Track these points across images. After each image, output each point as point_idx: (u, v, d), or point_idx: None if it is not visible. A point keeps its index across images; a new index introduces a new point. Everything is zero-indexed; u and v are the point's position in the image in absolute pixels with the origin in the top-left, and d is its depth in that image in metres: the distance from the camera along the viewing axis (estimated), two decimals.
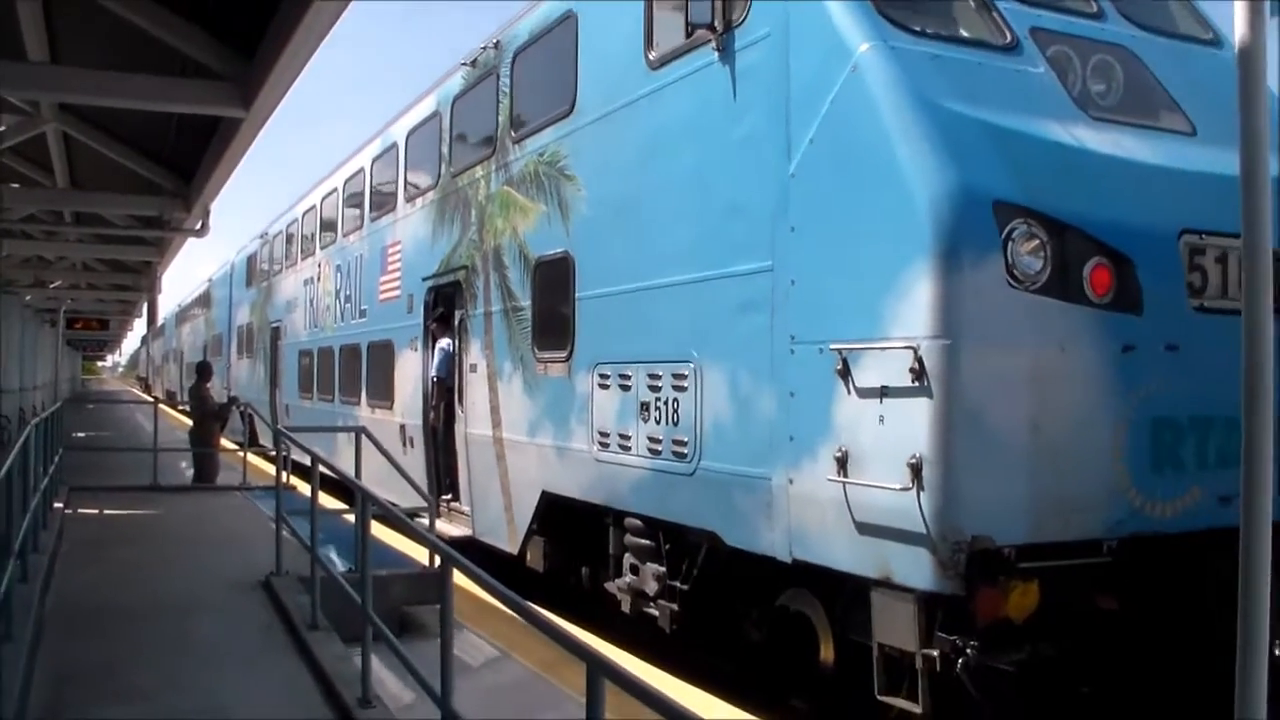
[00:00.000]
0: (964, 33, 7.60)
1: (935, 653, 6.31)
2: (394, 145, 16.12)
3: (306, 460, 9.76)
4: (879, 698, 6.80)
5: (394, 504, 8.60)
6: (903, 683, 6.61)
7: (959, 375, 6.23)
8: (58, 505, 14.16)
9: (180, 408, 40.42)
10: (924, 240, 6.35)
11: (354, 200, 18.57)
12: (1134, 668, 6.90)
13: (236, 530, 13.74)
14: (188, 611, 9.38)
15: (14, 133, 14.40)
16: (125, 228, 20.37)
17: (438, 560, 6.14)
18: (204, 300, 42.02)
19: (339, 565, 8.66)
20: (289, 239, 24.33)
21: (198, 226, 17.60)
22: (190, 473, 19.47)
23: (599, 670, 3.65)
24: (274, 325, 25.32)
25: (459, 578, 5.35)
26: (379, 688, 6.76)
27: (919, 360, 6.27)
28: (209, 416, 19.11)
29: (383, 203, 16.77)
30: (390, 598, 9.57)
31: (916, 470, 6.23)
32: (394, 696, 6.73)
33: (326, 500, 11.68)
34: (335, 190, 19.86)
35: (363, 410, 16.88)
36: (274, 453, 15.06)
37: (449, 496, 13.41)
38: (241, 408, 21.73)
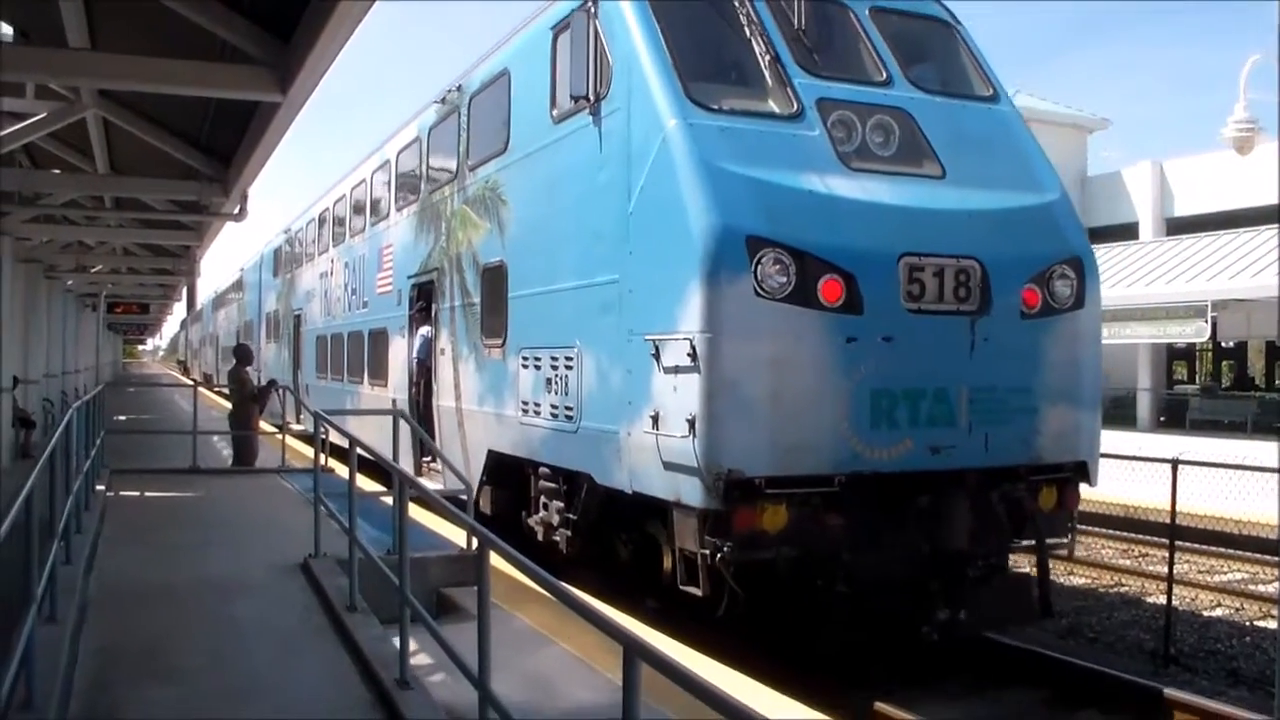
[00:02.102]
0: (756, 107, 10.10)
1: (708, 552, 8.91)
2: (387, 161, 18.96)
3: (344, 442, 9.83)
4: (680, 587, 9.40)
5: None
6: (695, 575, 9.17)
7: (718, 359, 8.88)
8: (100, 488, 14.30)
9: (217, 390, 40.98)
10: (696, 265, 8.99)
11: (359, 205, 21.41)
12: (855, 569, 9.47)
13: (275, 512, 13.87)
14: (228, 593, 9.48)
15: (55, 119, 14.47)
16: (164, 212, 20.46)
17: (475, 542, 6.17)
18: (237, 288, 44.97)
19: (376, 547, 8.70)
20: (308, 236, 27.25)
21: (235, 211, 17.69)
22: (229, 455, 19.64)
23: (635, 653, 3.66)
24: (296, 313, 28.40)
25: (496, 560, 5.37)
26: (417, 669, 6.81)
27: (693, 347, 8.92)
28: (248, 399, 19.29)
29: (380, 210, 19.52)
30: (428, 579, 9.64)
31: (691, 424, 8.89)
32: (431, 677, 6.77)
33: (364, 482, 11.78)
34: (344, 195, 22.76)
35: (364, 388, 19.92)
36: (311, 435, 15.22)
37: (429, 459, 15.62)
38: (279, 390, 21.93)
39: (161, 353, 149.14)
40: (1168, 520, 13.27)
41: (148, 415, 32.24)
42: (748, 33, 10.40)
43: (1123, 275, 36.72)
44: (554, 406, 11.43)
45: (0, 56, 11.58)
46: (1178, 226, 45.17)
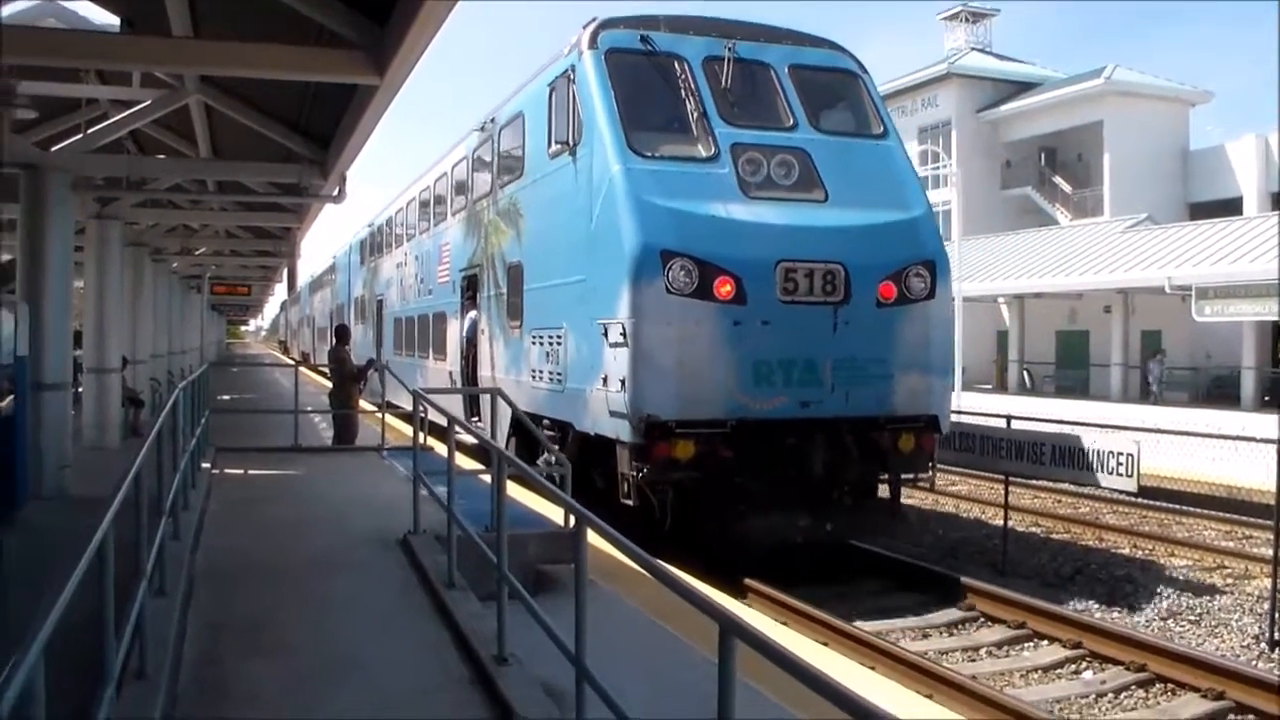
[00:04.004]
0: (682, 152, 13.56)
1: (634, 473, 12.57)
2: (444, 174, 23.01)
3: (443, 421, 9.92)
4: (621, 501, 12.81)
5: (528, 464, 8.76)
6: (629, 493, 12.78)
7: (640, 337, 12.50)
8: (205, 465, 14.60)
9: (313, 368, 41.71)
10: (626, 270, 12.63)
11: (425, 208, 25.48)
12: (743, 489, 13.01)
13: (375, 490, 14.07)
14: (330, 568, 9.64)
15: (160, 105, 14.78)
16: (265, 195, 20.76)
17: (573, 520, 6.18)
18: (330, 273, 48.95)
19: (475, 524, 8.76)
20: (388, 230, 31.44)
21: (334, 193, 17.89)
22: (330, 434, 19.92)
23: (731, 630, 3.65)
24: (379, 298, 32.48)
25: (593, 537, 5.38)
26: (514, 645, 6.85)
27: (624, 329, 12.57)
28: (348, 379, 19.54)
29: (441, 212, 23.26)
30: (525, 556, 9.69)
31: (623, 383, 12.59)
32: (529, 654, 6.80)
33: (463, 460, 11.86)
34: (414, 198, 26.96)
35: (430, 362, 23.69)
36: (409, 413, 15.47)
37: (475, 418, 19.01)
38: (379, 368, 22.24)
39: (263, 333, 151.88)
40: (1272, 503, 13.04)
41: (250, 394, 32.91)
42: (683, 93, 13.94)
43: (1226, 252, 35.78)
44: (550, 373, 15.02)
45: (109, 47, 11.85)
46: None
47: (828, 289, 13.06)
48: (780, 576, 13.41)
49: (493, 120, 18.56)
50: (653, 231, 12.61)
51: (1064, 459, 15.34)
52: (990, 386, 48.76)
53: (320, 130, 15.61)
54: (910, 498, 21.48)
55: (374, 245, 34.18)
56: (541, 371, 15.32)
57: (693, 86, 13.90)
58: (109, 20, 13.27)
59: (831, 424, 13.27)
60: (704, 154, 13.47)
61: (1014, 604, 12.93)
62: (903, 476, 14.19)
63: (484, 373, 18.48)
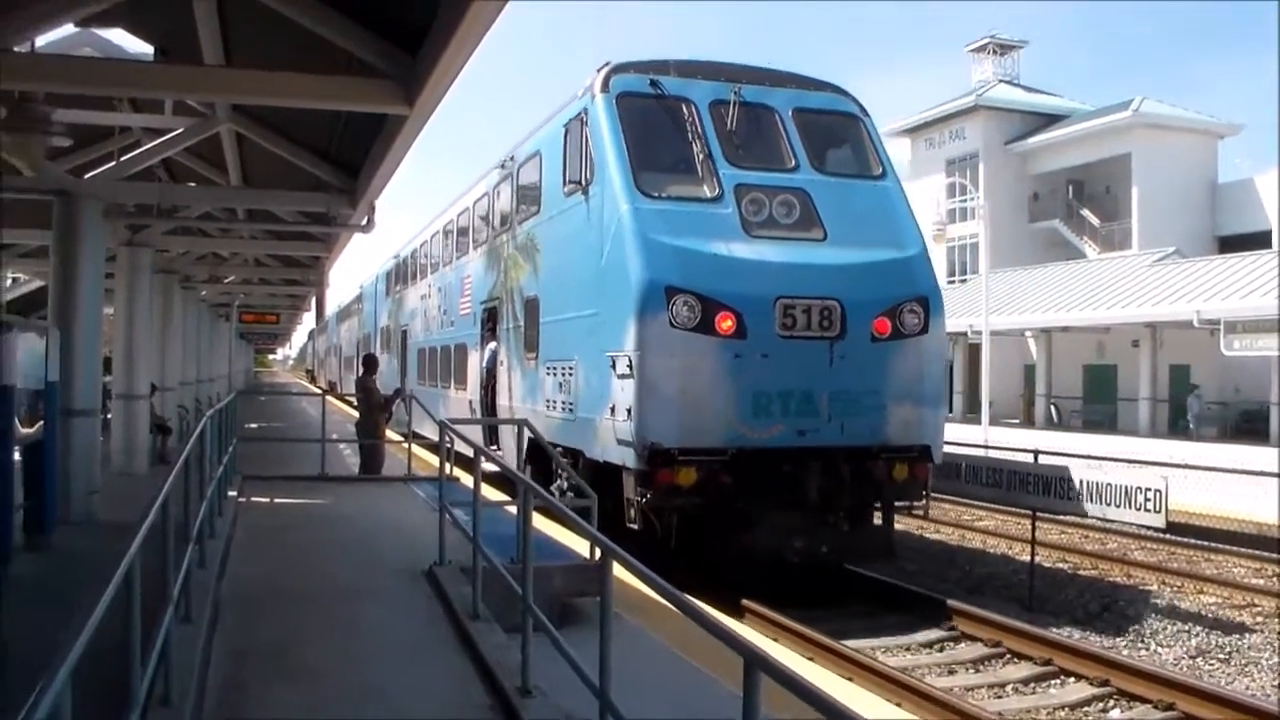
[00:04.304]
0: (688, 192, 14.28)
1: (639, 499, 13.18)
2: (466, 209, 23.86)
3: (468, 450, 9.94)
4: (628, 526, 13.25)
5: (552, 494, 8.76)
6: (634, 517, 13.40)
7: (645, 369, 13.10)
8: (232, 494, 14.67)
9: (345, 397, 41.91)
10: (632, 305, 13.26)
11: (448, 241, 26.31)
12: (739, 514, 13.56)
13: (401, 520, 14.11)
14: (355, 598, 9.66)
15: (191, 133, 14.95)
16: (294, 223, 20.89)
17: (598, 553, 6.17)
18: (357, 303, 49.48)
19: (500, 556, 8.76)
20: (413, 261, 32.21)
21: (363, 222, 17.99)
22: (356, 463, 19.96)
23: (756, 664, 3.63)
24: (403, 328, 33.17)
25: (618, 570, 5.37)
26: (539, 677, 6.83)
27: (630, 361, 13.21)
28: (375, 408, 19.59)
29: (464, 245, 23.97)
30: (550, 589, 9.65)
31: (629, 412, 13.18)
32: (553, 686, 6.78)
33: (487, 490, 11.86)
34: (438, 232, 27.87)
35: (451, 392, 24.08)
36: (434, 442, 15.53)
37: (494, 446, 19.03)
38: (406, 398, 22.31)
39: (291, 362, 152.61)
40: None
41: (278, 423, 33.03)
42: (690, 136, 14.67)
43: (1255, 285, 35.58)
44: (563, 404, 15.64)
45: (142, 75, 11.97)
46: None
47: (824, 324, 13.73)
48: (787, 600, 13.83)
49: (512, 158, 19.37)
50: (658, 269, 13.31)
51: (1089, 495, 15.21)
52: (1018, 421, 48.57)
53: (349, 159, 15.73)
54: (937, 532, 21.42)
55: (399, 276, 35.01)
56: (555, 401, 15.99)
57: (699, 129, 14.67)
58: (143, 49, 13.43)
59: (827, 453, 13.93)
60: (709, 194, 14.23)
61: (1040, 640, 12.81)
62: (897, 504, 14.88)
63: (502, 402, 19.16)
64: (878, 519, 14.92)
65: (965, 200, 49.65)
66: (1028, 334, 48.65)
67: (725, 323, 13.25)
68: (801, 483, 13.88)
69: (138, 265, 19.49)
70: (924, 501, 15.06)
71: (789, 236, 14.20)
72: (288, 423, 33.76)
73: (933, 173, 63.03)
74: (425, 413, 20.10)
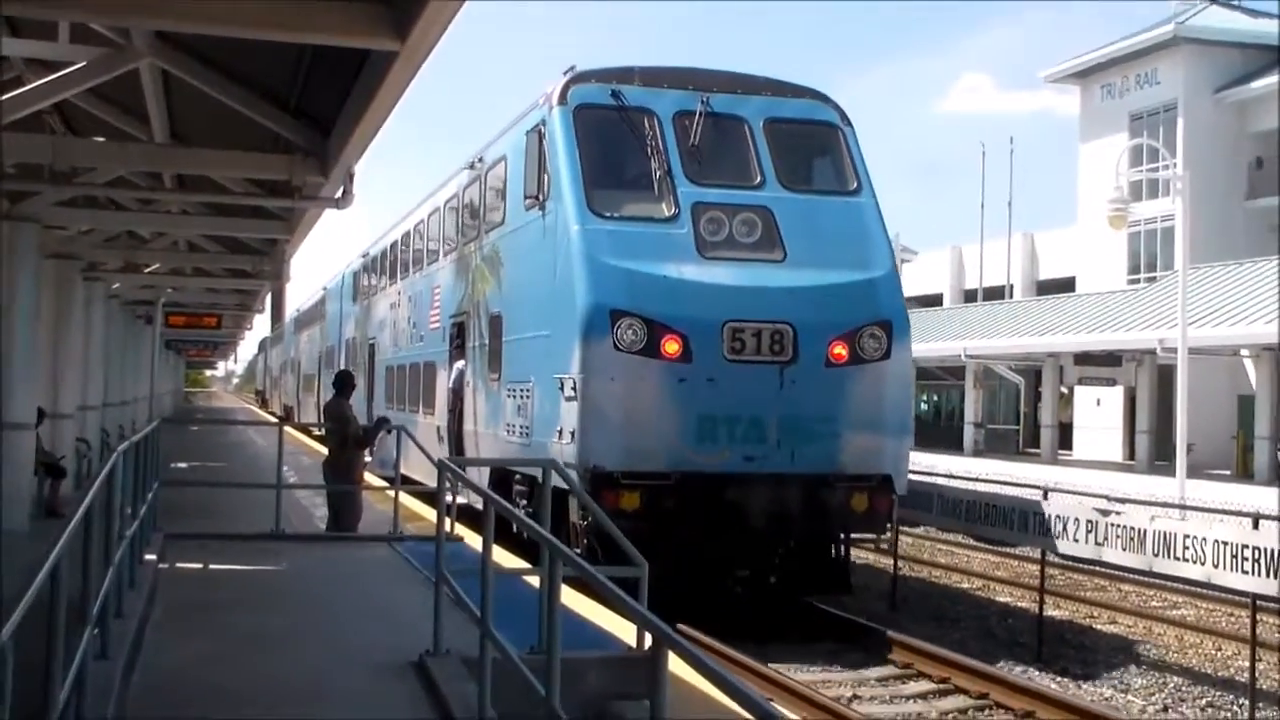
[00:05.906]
0: (641, 212, 18.49)
1: (583, 523, 17.01)
2: (437, 209, 28.83)
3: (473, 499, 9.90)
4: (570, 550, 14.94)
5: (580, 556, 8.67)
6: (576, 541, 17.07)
7: (589, 392, 17.22)
8: (150, 558, 14.65)
9: (306, 428, 42.07)
10: (577, 327, 17.33)
11: (419, 244, 31.21)
12: (684, 539, 17.19)
13: (383, 594, 14.20)
14: (314, 700, 9.65)
15: (97, 70, 14.55)
16: (244, 195, 20.67)
17: (648, 640, 6.07)
18: (320, 308, 52.11)
19: (516, 644, 8.70)
20: (381, 263, 37.10)
21: (338, 195, 17.98)
22: (324, 517, 19.96)
23: None
24: (370, 341, 37.82)
25: (675, 663, 5.26)
26: None
27: (574, 384, 17.30)
28: (350, 442, 19.34)
29: (434, 251, 29.25)
30: (584, 688, 9.58)
31: (573, 434, 17.30)
32: None
33: (500, 555, 11.81)
34: (409, 231, 32.77)
35: (420, 417, 28.06)
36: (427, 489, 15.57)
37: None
38: (390, 430, 22.29)
39: (237, 379, 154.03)
40: None
41: (216, 462, 33.25)
42: (649, 151, 18.64)
43: None
44: (521, 427, 19.70)
45: None
46: None
47: (775, 348, 17.64)
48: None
49: (481, 159, 24.04)
50: (603, 291, 17.38)
51: None
52: (1229, 473, 46.92)
53: (320, 111, 15.69)
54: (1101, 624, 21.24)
55: (367, 281, 40.49)
56: (514, 426, 20.21)
57: (660, 143, 18.72)
58: None
59: (776, 479, 17.71)
60: (665, 213, 18.43)
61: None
62: (854, 536, 19.43)
63: (468, 427, 23.50)
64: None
65: (1157, 168, 48.98)
66: (1244, 353, 47.81)
67: (671, 345, 17.21)
68: (748, 510, 17.53)
69: (18, 247, 19.12)
70: (889, 534, 19.78)
71: (745, 258, 18.32)
72: (229, 461, 34.01)
73: (1111, 131, 62.59)
74: (419, 449, 20.33)
